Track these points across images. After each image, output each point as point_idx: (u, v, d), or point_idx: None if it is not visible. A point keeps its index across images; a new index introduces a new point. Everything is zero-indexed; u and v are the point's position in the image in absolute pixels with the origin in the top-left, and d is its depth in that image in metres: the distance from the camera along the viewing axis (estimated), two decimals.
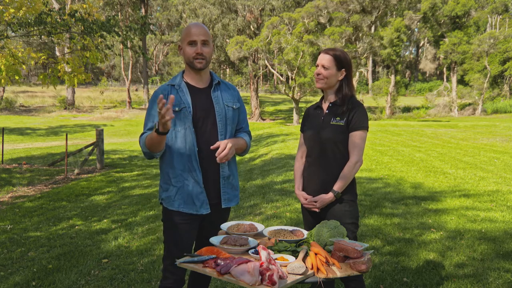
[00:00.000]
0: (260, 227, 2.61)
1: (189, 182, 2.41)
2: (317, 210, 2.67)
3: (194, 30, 2.40)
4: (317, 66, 2.71)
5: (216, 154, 2.37)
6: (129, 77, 41.45)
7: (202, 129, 2.44)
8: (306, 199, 2.71)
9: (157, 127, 2.20)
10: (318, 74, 2.70)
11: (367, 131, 2.68)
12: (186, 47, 2.42)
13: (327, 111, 2.73)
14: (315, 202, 2.66)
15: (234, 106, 2.57)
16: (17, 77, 10.21)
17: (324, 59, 2.67)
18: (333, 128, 2.65)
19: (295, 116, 30.48)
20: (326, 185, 2.66)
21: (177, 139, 2.40)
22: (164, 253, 2.49)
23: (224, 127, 2.50)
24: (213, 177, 2.48)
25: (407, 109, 37.93)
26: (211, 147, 2.39)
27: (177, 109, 2.38)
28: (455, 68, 37.25)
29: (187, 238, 2.46)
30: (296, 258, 2.15)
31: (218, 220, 2.58)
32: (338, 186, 2.61)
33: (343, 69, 2.69)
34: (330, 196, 2.62)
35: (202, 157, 2.43)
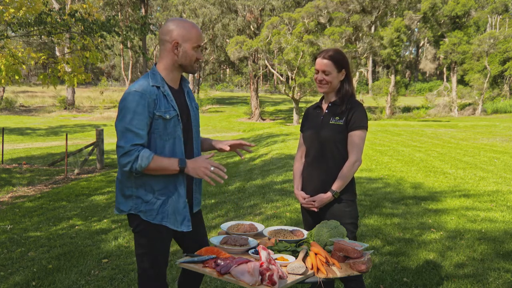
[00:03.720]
0: (260, 227, 2.62)
1: (173, 195, 2.27)
2: (315, 209, 2.67)
3: (200, 34, 2.31)
4: (317, 72, 2.68)
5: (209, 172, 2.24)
6: (129, 77, 41.46)
7: (184, 137, 2.33)
8: (304, 199, 2.71)
9: (184, 166, 2.17)
10: (320, 81, 2.67)
11: (367, 130, 2.67)
12: (190, 49, 2.27)
13: (326, 111, 2.72)
14: (314, 201, 2.65)
15: (196, 107, 2.49)
16: (17, 77, 10.21)
17: (324, 64, 2.64)
18: (332, 128, 2.65)
19: (295, 116, 30.48)
20: (325, 184, 2.66)
21: (165, 149, 2.23)
22: (142, 268, 2.29)
23: (197, 132, 2.45)
24: (189, 185, 2.39)
25: (407, 109, 37.92)
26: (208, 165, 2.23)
27: (168, 116, 2.21)
28: (455, 68, 37.24)
29: (168, 249, 2.37)
30: (296, 258, 2.15)
31: (197, 226, 2.49)
32: (336, 186, 2.61)
33: (343, 69, 2.69)
34: (328, 195, 2.61)
35: None
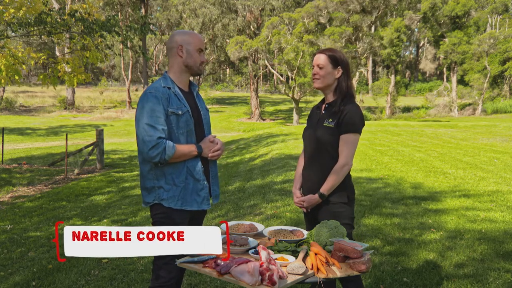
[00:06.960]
0: (260, 227, 2.62)
1: (191, 181, 2.51)
2: (304, 210, 2.69)
3: (201, 40, 2.59)
4: (313, 67, 2.74)
5: (212, 152, 2.57)
6: (129, 77, 41.45)
7: (196, 132, 2.60)
8: (297, 198, 2.74)
9: (201, 150, 2.51)
10: (314, 74, 2.72)
11: (359, 133, 2.63)
12: (195, 52, 2.54)
13: (323, 112, 2.74)
14: (303, 201, 2.67)
15: (206, 109, 2.77)
16: (17, 77, 10.19)
17: (319, 58, 2.70)
18: (324, 129, 2.65)
19: (295, 116, 30.44)
20: (320, 184, 2.66)
21: (180, 142, 2.49)
22: (158, 257, 2.45)
23: (208, 130, 2.72)
24: (205, 175, 2.63)
25: (407, 109, 37.93)
26: (213, 144, 2.58)
27: (180, 112, 2.47)
28: (455, 68, 37.23)
29: None
30: (296, 258, 2.15)
31: (201, 218, 2.75)
32: (324, 188, 2.60)
33: (339, 67, 2.68)
34: (316, 197, 2.62)
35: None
